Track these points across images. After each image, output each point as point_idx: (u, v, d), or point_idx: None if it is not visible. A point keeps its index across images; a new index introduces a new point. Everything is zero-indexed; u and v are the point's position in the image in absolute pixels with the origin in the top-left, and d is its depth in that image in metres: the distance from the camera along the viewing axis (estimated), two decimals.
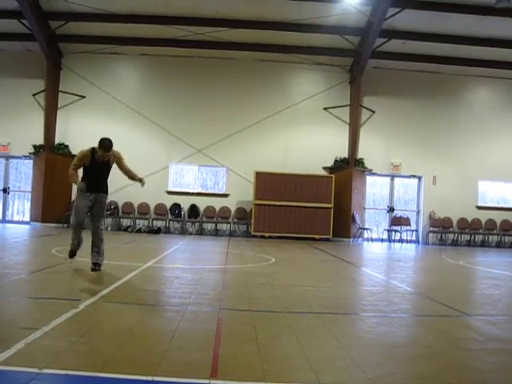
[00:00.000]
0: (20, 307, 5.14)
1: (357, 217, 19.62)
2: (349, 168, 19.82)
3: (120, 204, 19.80)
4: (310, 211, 18.97)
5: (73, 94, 20.06)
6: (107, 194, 7.96)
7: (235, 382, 3.06)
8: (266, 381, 3.09)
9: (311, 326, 4.72)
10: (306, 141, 20.26)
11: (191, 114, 20.20)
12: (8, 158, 20.57)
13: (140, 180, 7.92)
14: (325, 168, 20.12)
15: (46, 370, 3.05)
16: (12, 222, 20.64)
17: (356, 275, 9.60)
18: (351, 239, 19.48)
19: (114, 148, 7.52)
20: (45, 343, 3.65)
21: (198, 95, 20.21)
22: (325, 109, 20.39)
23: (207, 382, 3.03)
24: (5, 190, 20.65)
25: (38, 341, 3.68)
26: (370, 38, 18.21)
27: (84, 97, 20.10)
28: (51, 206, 19.02)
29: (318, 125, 20.45)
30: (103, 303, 5.32)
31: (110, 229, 19.63)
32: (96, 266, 7.57)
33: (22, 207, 21.23)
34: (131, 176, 7.98)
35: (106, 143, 7.44)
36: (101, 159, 7.57)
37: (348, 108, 20.39)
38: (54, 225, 18.85)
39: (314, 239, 18.76)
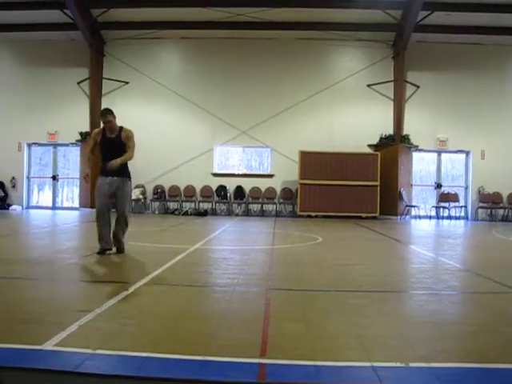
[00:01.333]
0: (73, 290, 5.26)
1: (404, 194, 19.35)
2: (395, 145, 19.54)
3: (166, 187, 20.06)
4: (357, 189, 18.82)
5: (116, 81, 20.34)
6: (128, 177, 7.68)
7: (284, 360, 3.07)
8: (316, 359, 3.09)
9: (360, 305, 4.69)
10: (350, 118, 20.08)
11: (234, 95, 20.22)
12: (56, 145, 21.04)
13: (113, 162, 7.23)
14: (370, 145, 19.89)
15: (99, 351, 3.12)
16: (62, 208, 21.16)
17: (404, 253, 9.49)
18: (399, 217, 19.27)
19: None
20: (97, 325, 3.73)
21: (240, 77, 20.21)
22: (368, 85, 20.11)
23: (256, 361, 3.04)
24: (54, 178, 21.15)
25: (91, 323, 3.76)
26: (412, 11, 17.80)
27: (127, 82, 20.35)
28: None
29: (361, 102, 20.21)
30: (153, 285, 5.39)
31: (157, 212, 20.04)
32: (118, 252, 7.67)
33: (70, 194, 21.75)
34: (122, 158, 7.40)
35: (103, 109, 7.64)
36: (109, 132, 7.55)
37: (392, 84, 20.08)
38: None
39: (360, 218, 18.62)
